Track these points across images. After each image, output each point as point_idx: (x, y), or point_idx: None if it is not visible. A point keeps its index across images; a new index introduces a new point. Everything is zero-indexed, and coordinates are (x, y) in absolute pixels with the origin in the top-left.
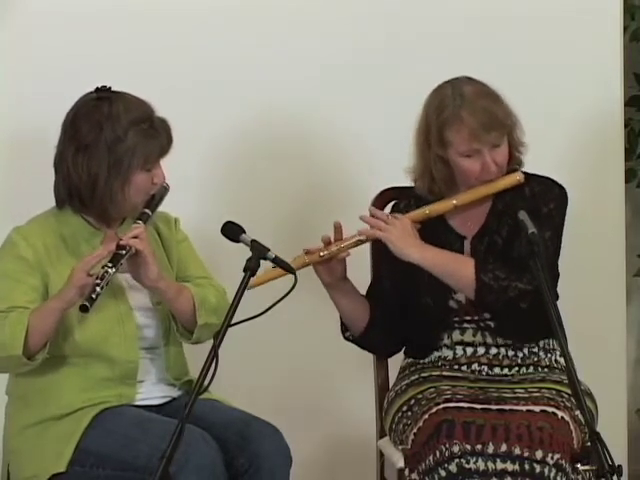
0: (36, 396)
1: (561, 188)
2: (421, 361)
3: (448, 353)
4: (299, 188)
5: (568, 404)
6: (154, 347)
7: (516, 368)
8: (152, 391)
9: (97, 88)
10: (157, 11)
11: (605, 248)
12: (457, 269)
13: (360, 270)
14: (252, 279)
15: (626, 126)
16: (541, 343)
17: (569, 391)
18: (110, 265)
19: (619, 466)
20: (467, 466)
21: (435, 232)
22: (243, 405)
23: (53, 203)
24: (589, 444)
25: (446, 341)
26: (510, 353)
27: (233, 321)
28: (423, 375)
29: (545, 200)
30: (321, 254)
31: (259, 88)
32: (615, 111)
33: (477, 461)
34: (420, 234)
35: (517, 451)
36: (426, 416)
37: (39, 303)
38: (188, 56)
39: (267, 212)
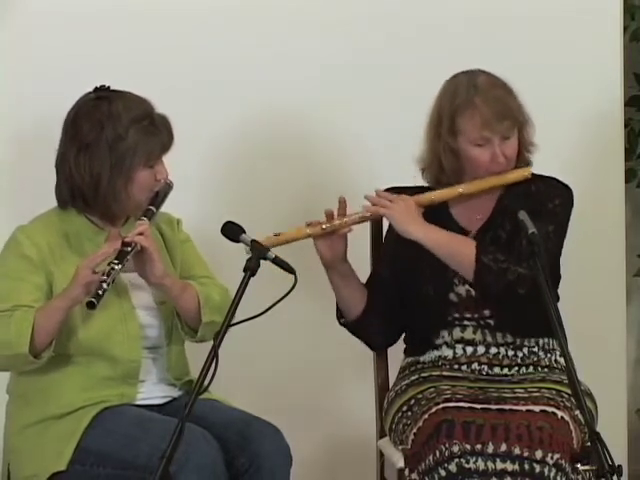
0: (37, 395)
1: (567, 188)
2: (421, 360)
3: (448, 352)
4: (299, 188)
5: (568, 404)
6: (156, 347)
7: (516, 368)
8: (153, 391)
9: (96, 88)
10: (157, 11)
11: (605, 248)
12: (458, 249)
13: (359, 261)
14: (277, 237)
15: (626, 126)
16: (540, 343)
17: (569, 391)
18: (116, 262)
19: (619, 466)
20: (467, 466)
21: (438, 223)
22: (243, 405)
23: (54, 203)
24: (589, 444)
25: (446, 339)
26: (510, 353)
27: (233, 321)
28: (423, 375)
29: (551, 196)
30: (323, 227)
31: (259, 88)
32: (615, 111)
33: (477, 461)
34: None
35: (517, 451)
36: (426, 416)
37: (43, 302)
38: (188, 56)
39: (267, 212)
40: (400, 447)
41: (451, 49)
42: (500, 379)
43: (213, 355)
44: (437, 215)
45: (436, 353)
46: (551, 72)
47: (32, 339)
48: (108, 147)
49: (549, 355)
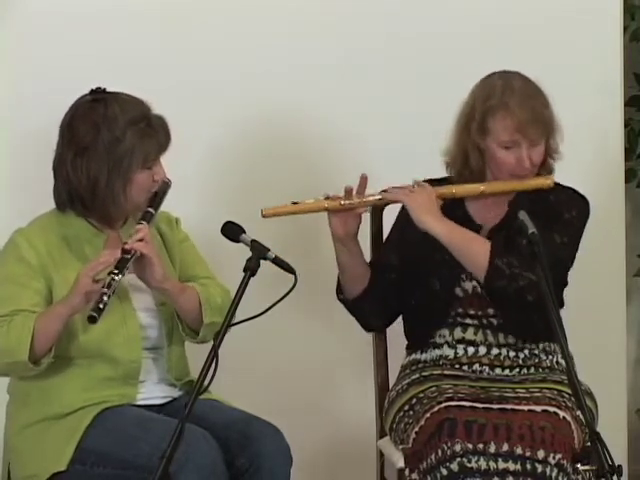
0: (37, 395)
1: (585, 201)
2: (422, 359)
3: (449, 352)
4: (299, 188)
5: (569, 404)
6: (157, 347)
7: (517, 369)
8: (153, 391)
9: (92, 90)
10: (157, 11)
11: (605, 248)
12: (472, 248)
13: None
14: (295, 205)
15: (626, 126)
16: (541, 345)
17: (570, 391)
18: (116, 272)
19: (619, 466)
20: (469, 465)
21: (452, 217)
22: (243, 405)
23: (54, 204)
24: (589, 444)
25: (447, 338)
26: (511, 354)
27: (233, 321)
28: (424, 374)
29: (568, 207)
30: (342, 202)
31: (259, 88)
32: (615, 111)
33: (479, 460)
34: None
35: (519, 451)
36: (428, 415)
37: (43, 307)
38: (188, 56)
39: None
40: (401, 446)
41: (451, 49)
42: (501, 379)
43: (213, 355)
44: (452, 207)
45: (437, 352)
46: (551, 72)
47: (32, 346)
48: (105, 150)
49: (550, 357)
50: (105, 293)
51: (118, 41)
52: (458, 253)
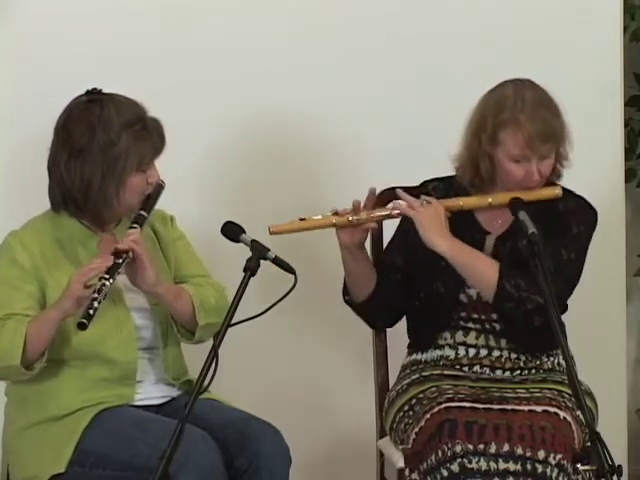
0: (35, 397)
1: (594, 212)
2: (422, 359)
3: (450, 353)
4: (299, 188)
5: (569, 404)
6: (152, 347)
7: (518, 371)
8: (151, 391)
9: (88, 90)
10: (157, 11)
11: (605, 248)
12: (481, 269)
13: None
14: (302, 221)
15: (626, 126)
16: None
17: (570, 391)
18: (107, 277)
19: (619, 466)
20: (469, 466)
21: (460, 224)
22: (243, 405)
23: (49, 206)
24: (589, 444)
25: (449, 341)
26: (513, 356)
27: (233, 321)
28: (424, 374)
29: (577, 220)
30: (350, 219)
31: (259, 88)
32: (615, 111)
33: (479, 461)
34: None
35: (519, 451)
36: (428, 415)
37: (36, 310)
38: (188, 56)
39: (267, 212)
40: (401, 447)
41: (451, 50)
42: (502, 379)
43: (213, 355)
44: (460, 214)
45: (438, 352)
46: (551, 72)
47: (24, 350)
48: (100, 152)
49: (551, 359)
50: (95, 299)
51: (118, 41)
52: (465, 272)
